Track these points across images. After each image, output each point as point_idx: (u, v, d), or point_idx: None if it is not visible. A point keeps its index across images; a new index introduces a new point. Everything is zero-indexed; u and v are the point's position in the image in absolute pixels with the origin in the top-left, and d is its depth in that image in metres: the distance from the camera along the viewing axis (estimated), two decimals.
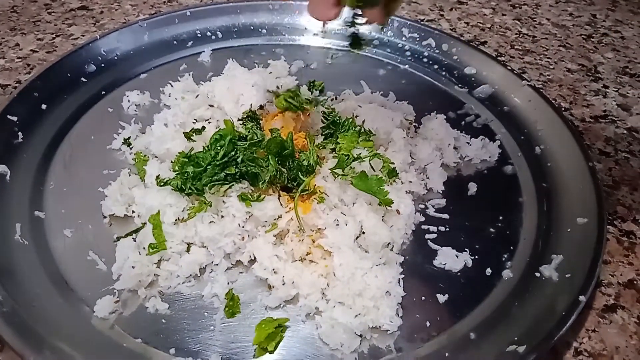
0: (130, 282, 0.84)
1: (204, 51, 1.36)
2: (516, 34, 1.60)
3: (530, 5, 1.77)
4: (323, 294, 0.85)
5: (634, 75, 1.46)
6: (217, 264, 0.89)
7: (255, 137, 0.93)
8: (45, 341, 0.75)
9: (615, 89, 1.40)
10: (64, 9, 1.57)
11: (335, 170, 0.92)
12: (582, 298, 0.80)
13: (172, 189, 0.90)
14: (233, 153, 0.91)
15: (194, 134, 0.99)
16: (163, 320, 0.82)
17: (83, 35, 1.45)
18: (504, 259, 0.94)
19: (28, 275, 0.85)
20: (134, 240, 0.90)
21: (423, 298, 0.87)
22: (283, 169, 0.92)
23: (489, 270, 0.92)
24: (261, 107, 1.06)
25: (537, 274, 0.90)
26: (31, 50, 1.39)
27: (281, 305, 0.85)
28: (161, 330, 0.81)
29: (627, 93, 1.39)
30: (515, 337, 0.78)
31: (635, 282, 0.93)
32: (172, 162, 0.95)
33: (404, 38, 1.42)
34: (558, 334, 0.76)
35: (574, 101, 1.34)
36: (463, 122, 1.22)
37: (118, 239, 0.90)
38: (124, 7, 1.59)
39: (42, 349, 0.74)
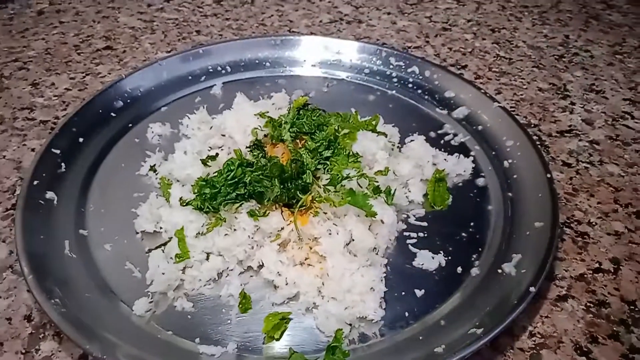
0: (161, 286, 1.01)
1: (215, 84, 1.55)
2: (494, 57, 1.77)
3: (508, 29, 1.93)
4: (319, 291, 1.01)
5: (599, 92, 1.62)
6: (231, 269, 1.06)
7: (260, 163, 1.11)
8: (95, 333, 0.90)
9: (581, 105, 1.56)
10: (91, 49, 1.76)
11: (328, 187, 1.09)
12: (532, 289, 0.95)
13: (193, 208, 1.07)
14: (242, 176, 1.09)
15: (209, 160, 1.17)
16: (189, 316, 0.99)
17: (109, 73, 1.64)
18: (472, 258, 1.10)
19: (78, 283, 1.01)
20: (163, 252, 1.06)
21: (403, 293, 1.04)
22: (284, 189, 1.08)
23: (459, 269, 1.08)
24: (265, 135, 1.23)
25: (499, 270, 1.04)
26: (65, 88, 1.58)
27: (285, 302, 1.01)
28: (188, 324, 0.97)
29: (592, 109, 1.55)
30: (476, 322, 0.93)
31: (585, 276, 1.09)
32: (192, 185, 1.13)
33: (391, 66, 1.59)
34: (509, 318, 0.91)
35: (543, 117, 1.51)
36: (442, 141, 1.39)
37: (149, 250, 1.07)
38: (144, 45, 1.79)
39: (93, 339, 0.88)
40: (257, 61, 1.62)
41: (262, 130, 1.21)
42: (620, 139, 1.44)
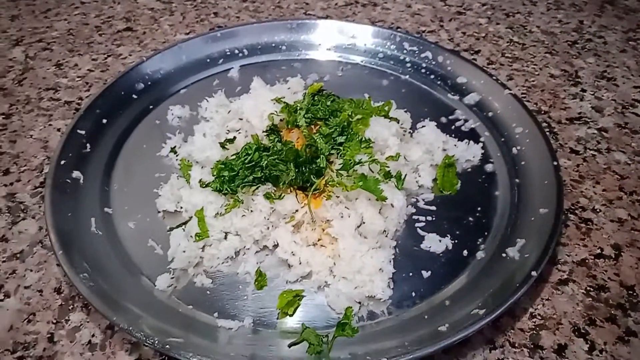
0: (181, 263, 1.06)
1: (232, 67, 1.59)
2: (507, 42, 1.79)
3: (522, 13, 1.94)
4: (330, 271, 1.07)
5: (610, 79, 1.63)
6: (248, 248, 1.11)
7: (276, 148, 1.16)
8: (120, 306, 0.96)
9: (592, 92, 1.58)
10: (112, 30, 1.81)
11: (341, 172, 1.13)
12: (534, 273, 0.99)
13: (212, 190, 1.13)
14: (259, 160, 1.14)
15: (227, 143, 1.22)
16: (208, 292, 1.05)
17: (130, 55, 1.69)
18: (478, 242, 1.14)
19: (104, 258, 1.07)
20: (184, 230, 1.11)
21: (410, 274, 1.09)
22: (299, 173, 1.12)
23: (465, 252, 1.13)
24: (281, 120, 1.28)
25: (504, 254, 1.09)
26: (88, 69, 1.63)
27: (298, 280, 1.07)
28: (207, 299, 1.03)
29: (602, 96, 1.57)
30: (479, 303, 0.98)
31: (587, 261, 1.13)
32: (211, 168, 1.18)
33: (404, 51, 1.62)
34: (511, 300, 0.95)
35: (554, 104, 1.53)
36: (453, 126, 1.42)
37: (171, 229, 1.13)
38: (163, 27, 1.83)
39: (119, 311, 0.94)
40: (273, 45, 1.66)
41: (278, 115, 1.25)
42: (628, 127, 1.46)
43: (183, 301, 1.03)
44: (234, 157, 1.17)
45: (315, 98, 1.30)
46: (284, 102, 1.27)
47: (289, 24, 1.67)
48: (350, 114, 1.23)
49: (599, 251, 1.15)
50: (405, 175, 1.17)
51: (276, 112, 1.25)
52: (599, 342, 0.99)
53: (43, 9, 1.93)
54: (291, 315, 1.02)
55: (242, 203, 1.12)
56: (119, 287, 1.02)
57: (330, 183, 1.13)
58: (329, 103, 1.27)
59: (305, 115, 1.22)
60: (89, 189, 1.22)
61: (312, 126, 1.23)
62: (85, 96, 1.52)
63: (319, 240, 1.11)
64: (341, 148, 1.17)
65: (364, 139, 1.18)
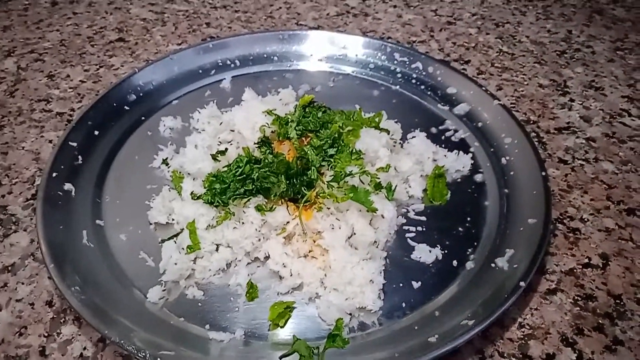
0: (173, 275, 1.07)
1: (224, 78, 1.60)
2: (497, 52, 1.81)
3: (512, 24, 1.96)
4: (321, 282, 1.07)
5: (598, 89, 1.65)
6: (239, 260, 1.11)
7: (267, 160, 1.16)
8: (112, 319, 0.96)
9: (580, 102, 1.60)
10: (104, 41, 1.81)
11: (332, 183, 1.14)
12: (522, 284, 1.00)
13: (203, 202, 1.13)
14: (250, 172, 1.14)
15: (219, 155, 1.23)
16: (199, 303, 1.05)
17: (122, 65, 1.70)
18: (468, 252, 1.15)
19: (96, 271, 1.07)
20: (175, 243, 1.12)
21: (401, 284, 1.09)
22: (290, 185, 1.13)
23: (455, 262, 1.13)
24: (272, 132, 1.28)
25: (493, 265, 1.10)
26: (80, 80, 1.63)
27: (289, 291, 1.07)
28: (198, 311, 1.04)
29: (590, 105, 1.59)
30: (468, 314, 0.99)
31: (575, 271, 1.14)
32: (203, 180, 1.19)
33: (395, 62, 1.64)
34: (500, 311, 0.96)
35: (542, 114, 1.55)
36: (443, 137, 1.43)
37: (162, 241, 1.14)
38: (155, 38, 1.84)
39: (111, 324, 0.94)
40: (265, 55, 1.67)
41: (269, 127, 1.26)
42: (616, 137, 1.48)
43: (174, 313, 1.03)
44: (226, 168, 1.17)
45: (307, 110, 1.31)
46: (276, 115, 1.28)
47: (280, 34, 1.69)
48: (341, 125, 1.24)
49: (586, 260, 1.16)
50: (396, 186, 1.18)
51: (267, 124, 1.26)
52: (587, 351, 1.00)
53: (35, 19, 1.93)
54: (282, 327, 1.02)
55: (234, 215, 1.12)
56: (110, 299, 1.02)
57: (321, 195, 1.14)
58: (319, 115, 1.28)
59: (297, 128, 1.23)
60: (80, 201, 1.22)
61: (304, 138, 1.24)
62: (77, 107, 1.53)
63: (310, 251, 1.12)
64: (332, 160, 1.18)
65: (354, 151, 1.19)
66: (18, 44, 1.79)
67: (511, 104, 1.58)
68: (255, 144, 1.24)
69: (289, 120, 1.26)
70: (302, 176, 1.15)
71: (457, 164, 1.34)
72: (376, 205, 1.09)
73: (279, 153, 1.18)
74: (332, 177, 1.14)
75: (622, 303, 1.08)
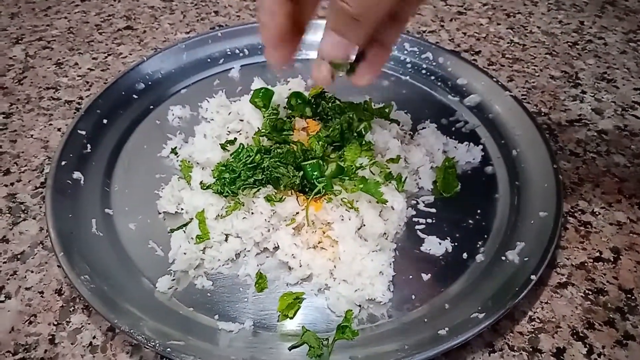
0: (182, 265, 1.07)
1: (233, 67, 1.59)
2: (508, 42, 1.79)
3: (523, 14, 1.94)
4: (331, 273, 1.07)
5: (610, 81, 1.63)
6: (249, 251, 1.11)
7: (277, 150, 1.15)
8: (121, 308, 0.96)
9: (592, 94, 1.58)
10: (112, 29, 1.80)
11: (343, 177, 1.13)
12: (533, 277, 1.00)
13: (213, 192, 1.13)
14: (261, 162, 1.14)
15: (228, 145, 1.22)
16: (208, 294, 1.05)
17: (130, 54, 1.69)
18: (478, 245, 1.15)
19: (105, 260, 1.07)
20: (184, 232, 1.12)
21: (410, 277, 1.09)
22: (299, 176, 1.13)
23: (465, 255, 1.13)
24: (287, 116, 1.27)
25: (503, 258, 1.09)
26: (88, 68, 1.63)
27: (298, 282, 1.07)
28: (207, 301, 1.04)
29: (602, 98, 1.57)
30: (479, 307, 0.98)
31: (586, 264, 1.13)
32: (212, 170, 1.18)
33: (405, 52, 1.62)
34: (510, 304, 0.96)
35: (553, 106, 1.53)
36: (453, 128, 1.42)
37: (172, 231, 1.13)
38: (164, 26, 1.83)
39: (120, 313, 0.94)
40: None
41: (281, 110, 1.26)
42: (628, 129, 1.46)
43: (184, 303, 1.03)
44: (234, 156, 1.17)
45: (317, 101, 1.30)
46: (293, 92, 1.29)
47: None
48: (351, 116, 1.23)
49: (597, 254, 1.15)
50: (406, 177, 1.17)
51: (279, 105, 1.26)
52: (597, 345, 0.99)
53: (43, 6, 1.92)
54: (291, 318, 1.02)
55: (243, 205, 1.12)
56: (119, 288, 1.02)
57: (328, 191, 1.13)
58: (329, 106, 1.27)
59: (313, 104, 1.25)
60: (89, 189, 1.22)
61: (314, 125, 1.23)
62: (86, 95, 1.52)
63: (319, 242, 1.11)
64: (342, 151, 1.17)
65: (364, 142, 1.18)
66: (26, 32, 1.79)
67: (522, 95, 1.56)
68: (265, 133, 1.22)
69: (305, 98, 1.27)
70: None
71: (467, 155, 1.33)
72: (386, 196, 1.09)
73: (291, 140, 1.17)
74: (334, 170, 1.13)
75: (633, 297, 1.07)
